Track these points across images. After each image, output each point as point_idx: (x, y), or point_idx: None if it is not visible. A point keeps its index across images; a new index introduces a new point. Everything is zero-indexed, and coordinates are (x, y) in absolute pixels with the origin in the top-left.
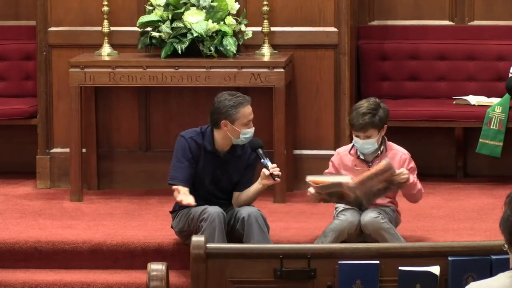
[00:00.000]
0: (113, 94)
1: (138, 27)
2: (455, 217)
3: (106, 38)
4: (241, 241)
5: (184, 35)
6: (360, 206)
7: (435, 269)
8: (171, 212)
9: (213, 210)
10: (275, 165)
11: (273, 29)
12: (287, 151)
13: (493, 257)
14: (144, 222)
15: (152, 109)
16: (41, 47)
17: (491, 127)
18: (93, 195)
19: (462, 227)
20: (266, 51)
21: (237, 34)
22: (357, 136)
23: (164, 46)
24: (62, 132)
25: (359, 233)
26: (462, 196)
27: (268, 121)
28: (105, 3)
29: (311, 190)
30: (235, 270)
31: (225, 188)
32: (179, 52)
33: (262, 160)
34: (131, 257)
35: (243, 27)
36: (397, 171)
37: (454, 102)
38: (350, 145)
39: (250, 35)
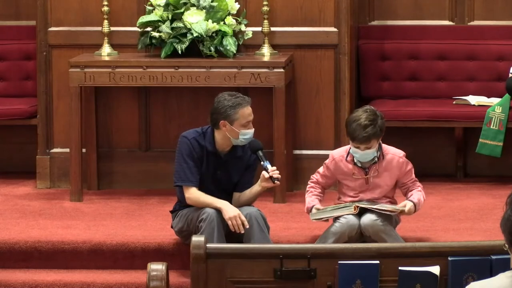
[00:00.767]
0: (113, 94)
1: (138, 27)
2: (455, 217)
3: (106, 38)
4: (241, 241)
5: (184, 35)
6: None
7: (435, 269)
8: (171, 212)
9: (212, 210)
10: (274, 167)
11: (273, 29)
12: (287, 151)
13: (493, 257)
14: (144, 222)
15: (152, 109)
16: (41, 47)
17: (491, 127)
18: (93, 195)
19: (462, 227)
20: (266, 51)
21: (237, 34)
22: (356, 147)
23: (164, 46)
24: (62, 132)
25: (359, 236)
26: (462, 196)
27: (268, 121)
28: (105, 3)
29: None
30: (235, 270)
31: (226, 189)
32: (179, 52)
33: (262, 163)
34: (131, 257)
35: (243, 27)
36: (401, 209)
37: (454, 102)
38: (345, 149)
39: (250, 35)
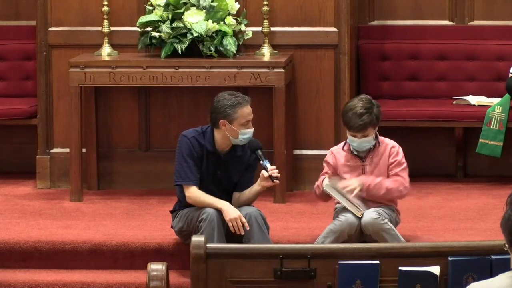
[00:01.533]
0: (113, 94)
1: (138, 27)
2: (455, 217)
3: (106, 38)
4: (241, 241)
5: (184, 35)
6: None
7: (435, 269)
8: (171, 212)
9: (212, 210)
10: (274, 167)
11: (273, 29)
12: (287, 151)
13: (493, 257)
14: (144, 222)
15: (152, 109)
16: (41, 47)
17: (491, 127)
18: (93, 195)
19: (462, 227)
20: (266, 51)
21: (237, 34)
22: (353, 136)
23: (164, 46)
24: (62, 132)
25: (359, 234)
26: (462, 196)
27: (268, 121)
28: (105, 3)
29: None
30: (235, 270)
31: (226, 189)
32: (179, 52)
33: (261, 162)
34: (131, 257)
35: (243, 27)
36: (341, 185)
37: (454, 102)
38: (342, 143)
39: (250, 35)
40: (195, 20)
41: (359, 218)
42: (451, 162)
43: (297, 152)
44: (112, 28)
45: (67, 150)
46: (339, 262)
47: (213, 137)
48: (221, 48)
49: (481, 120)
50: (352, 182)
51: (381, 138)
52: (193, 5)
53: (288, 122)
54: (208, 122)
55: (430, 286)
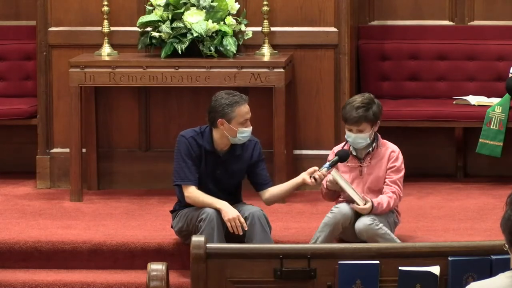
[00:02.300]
0: (113, 94)
1: (138, 27)
2: (455, 217)
3: (106, 38)
4: (242, 241)
5: (184, 35)
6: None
7: (435, 269)
8: (171, 212)
9: (212, 210)
10: (324, 171)
11: (273, 29)
12: (287, 151)
13: (493, 257)
14: (144, 222)
15: (152, 109)
16: (41, 47)
17: (491, 127)
18: (93, 195)
19: (462, 227)
20: (266, 51)
21: (237, 34)
22: (349, 130)
23: (164, 46)
24: (62, 132)
25: (354, 225)
26: (462, 196)
27: (268, 121)
28: (105, 3)
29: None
30: (235, 270)
31: (226, 188)
32: (179, 52)
33: (328, 164)
34: (131, 257)
35: (243, 27)
36: (360, 208)
37: (454, 102)
38: (344, 142)
39: (250, 35)
40: (195, 20)
41: (353, 210)
42: (451, 162)
43: (297, 152)
44: (112, 28)
45: (67, 150)
46: (339, 262)
47: (211, 136)
48: (221, 48)
49: (481, 120)
50: (365, 209)
51: (383, 141)
52: (193, 5)
53: (288, 122)
54: (207, 122)
55: (430, 286)
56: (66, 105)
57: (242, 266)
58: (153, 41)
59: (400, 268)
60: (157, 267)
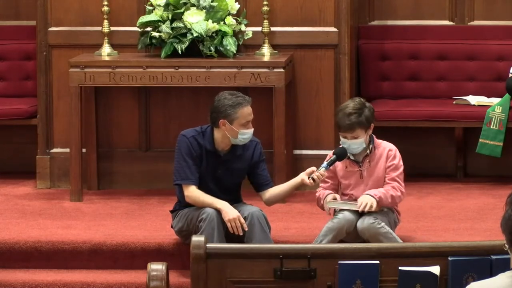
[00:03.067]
0: (113, 94)
1: (138, 27)
2: (455, 217)
3: (106, 38)
4: (242, 241)
5: (184, 35)
6: None
7: (435, 269)
8: (171, 212)
9: (212, 210)
10: (322, 171)
11: (273, 29)
12: (287, 151)
13: (493, 257)
14: (144, 222)
15: (152, 109)
16: (41, 47)
17: (491, 127)
18: (93, 195)
19: (462, 227)
20: (266, 51)
21: (237, 34)
22: (344, 137)
23: (164, 46)
24: (62, 132)
25: (357, 232)
26: (462, 196)
27: (268, 121)
28: (105, 3)
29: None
30: (235, 270)
31: (227, 188)
32: (179, 52)
33: (325, 164)
34: (131, 257)
35: (243, 27)
36: (359, 208)
37: (454, 102)
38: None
39: (250, 35)
40: (195, 20)
41: (357, 216)
42: (451, 162)
43: (297, 152)
44: (112, 28)
45: (67, 150)
46: (339, 262)
47: (212, 136)
48: (221, 48)
49: (481, 120)
50: (365, 200)
51: (377, 141)
52: (193, 5)
53: (288, 122)
54: (208, 122)
55: (430, 286)
56: (66, 105)
57: (242, 266)
58: (153, 41)
59: (400, 268)
60: (157, 267)
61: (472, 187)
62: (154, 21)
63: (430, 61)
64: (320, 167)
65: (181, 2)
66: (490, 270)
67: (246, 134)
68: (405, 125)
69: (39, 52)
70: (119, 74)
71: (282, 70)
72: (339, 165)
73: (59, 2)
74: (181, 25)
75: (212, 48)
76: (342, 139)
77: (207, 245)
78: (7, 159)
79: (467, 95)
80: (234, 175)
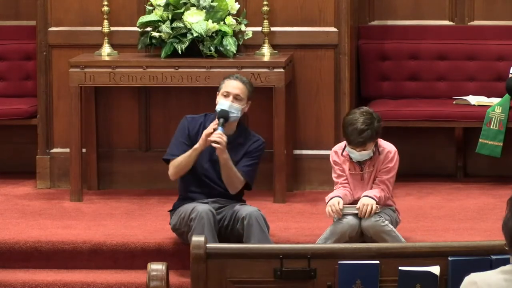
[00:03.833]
0: (113, 94)
1: (138, 27)
2: (455, 217)
3: (106, 38)
4: (241, 241)
5: (184, 35)
6: None
7: (435, 269)
8: (170, 211)
9: (201, 209)
10: (219, 134)
11: (273, 29)
12: (287, 151)
13: (493, 257)
14: (144, 222)
15: (152, 109)
16: (41, 47)
17: (491, 127)
18: (93, 195)
19: (462, 227)
20: (266, 51)
21: (237, 34)
22: (352, 149)
23: (164, 46)
24: (62, 132)
25: (360, 235)
26: (462, 196)
27: (268, 121)
28: (105, 3)
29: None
30: (235, 270)
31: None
32: (179, 52)
33: (219, 127)
34: (131, 257)
35: (243, 27)
36: (361, 215)
37: (454, 102)
38: (342, 144)
39: (250, 35)
40: (195, 20)
41: (360, 220)
42: (451, 162)
43: (297, 152)
44: (112, 28)
45: (67, 150)
46: (339, 262)
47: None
48: (221, 48)
49: (481, 120)
50: (365, 204)
51: (381, 144)
52: (193, 5)
53: (288, 122)
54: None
55: (430, 286)
56: (66, 105)
57: (242, 266)
58: (153, 41)
59: (400, 268)
60: (157, 267)
61: (472, 187)
62: (154, 21)
63: (430, 61)
64: (217, 131)
65: (181, 2)
66: (490, 270)
67: (222, 105)
68: (405, 125)
69: (39, 52)
70: (119, 74)
71: (282, 70)
72: (342, 162)
73: (59, 2)
74: (181, 25)
75: (212, 48)
76: (349, 149)
77: (207, 245)
78: (7, 159)
79: (467, 95)
80: (231, 159)
